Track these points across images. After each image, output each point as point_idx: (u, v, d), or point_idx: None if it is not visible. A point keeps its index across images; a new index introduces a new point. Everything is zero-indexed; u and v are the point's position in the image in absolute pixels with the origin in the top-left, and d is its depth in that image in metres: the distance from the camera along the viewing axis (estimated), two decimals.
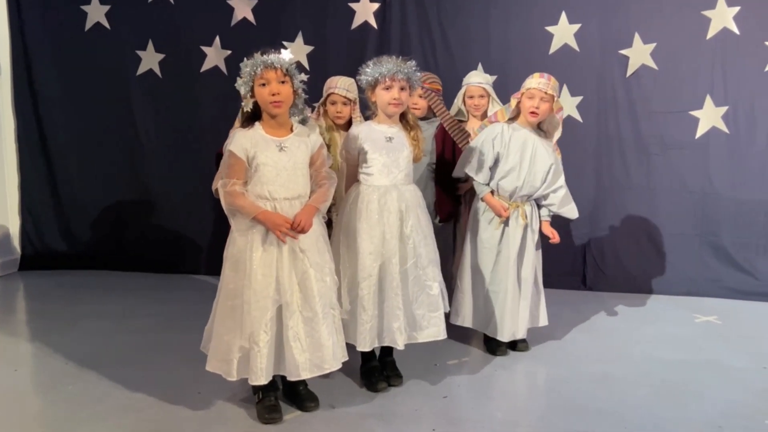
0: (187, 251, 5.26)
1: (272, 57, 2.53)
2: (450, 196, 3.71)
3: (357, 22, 4.97)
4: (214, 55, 5.11)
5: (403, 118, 2.96)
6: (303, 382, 2.75)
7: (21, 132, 5.32)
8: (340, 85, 3.38)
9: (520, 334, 3.42)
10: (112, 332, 3.76)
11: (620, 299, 4.56)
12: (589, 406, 2.81)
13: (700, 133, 4.66)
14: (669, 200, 4.74)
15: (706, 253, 4.71)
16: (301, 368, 2.58)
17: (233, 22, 5.06)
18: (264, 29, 5.01)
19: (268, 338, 2.53)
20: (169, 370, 3.17)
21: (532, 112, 3.27)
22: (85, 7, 5.18)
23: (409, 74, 2.83)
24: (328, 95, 3.41)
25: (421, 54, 4.82)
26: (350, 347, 2.81)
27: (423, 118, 3.73)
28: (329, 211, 2.89)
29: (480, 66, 4.73)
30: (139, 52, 5.18)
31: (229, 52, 5.07)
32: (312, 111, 3.37)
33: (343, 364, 2.71)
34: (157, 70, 5.19)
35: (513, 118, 3.41)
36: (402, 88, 2.82)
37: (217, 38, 5.09)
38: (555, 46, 4.77)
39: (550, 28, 4.76)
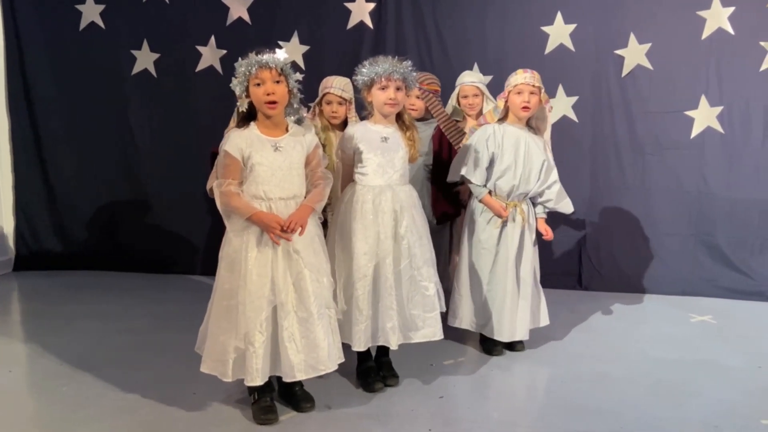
0: (182, 251, 5.25)
1: (267, 57, 2.52)
2: (446, 198, 3.70)
3: (353, 21, 4.96)
4: (210, 55, 5.10)
5: (399, 118, 2.95)
6: (299, 383, 2.74)
7: (15, 131, 5.30)
8: (336, 85, 3.38)
9: (521, 335, 3.41)
10: (106, 333, 3.75)
11: (616, 299, 4.56)
12: (586, 406, 2.81)
13: (695, 133, 4.66)
14: (664, 200, 4.75)
15: (701, 252, 4.72)
16: (297, 369, 2.57)
17: (228, 22, 5.05)
18: (259, 29, 5.00)
19: (264, 339, 2.53)
20: (165, 370, 3.16)
21: (524, 107, 3.28)
22: (79, 7, 5.17)
23: (405, 74, 2.83)
24: (324, 95, 3.41)
25: (417, 54, 4.82)
26: (346, 347, 2.80)
27: (420, 119, 3.73)
28: (324, 211, 2.88)
29: (476, 66, 4.74)
30: (134, 52, 5.16)
31: (224, 51, 5.06)
32: (308, 111, 3.36)
33: (340, 364, 2.71)
34: (152, 70, 5.18)
35: (502, 119, 3.41)
36: (398, 88, 2.82)
37: (213, 38, 5.08)
38: (551, 46, 4.77)
39: (545, 28, 4.77)
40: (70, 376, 3.09)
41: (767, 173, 4.58)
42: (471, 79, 3.91)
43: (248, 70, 2.52)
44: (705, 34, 4.57)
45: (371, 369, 3.00)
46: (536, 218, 3.48)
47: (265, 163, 2.56)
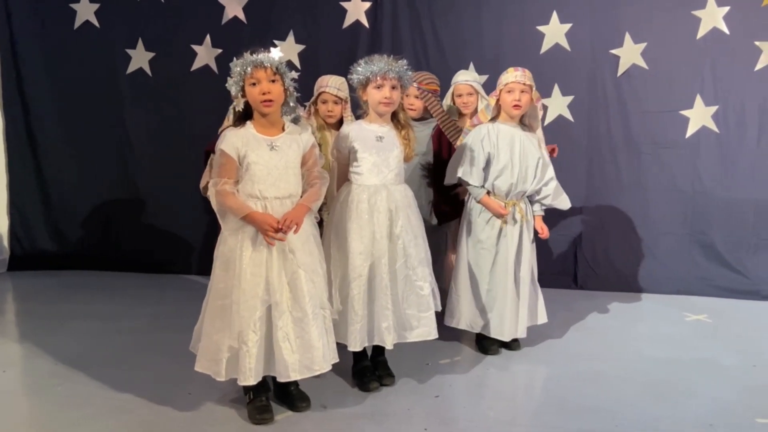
0: (177, 251, 5.24)
1: (262, 56, 2.52)
2: (447, 198, 3.68)
3: (348, 21, 4.96)
4: (205, 54, 5.09)
5: (394, 117, 2.95)
6: (294, 383, 2.73)
7: (9, 131, 5.28)
8: (331, 84, 3.37)
9: (520, 333, 3.42)
10: (101, 333, 3.74)
11: (611, 298, 4.57)
12: (581, 405, 2.82)
13: (690, 132, 4.68)
14: (659, 199, 4.76)
15: (697, 251, 4.73)
16: (291, 369, 2.56)
17: (224, 21, 5.05)
18: (255, 28, 4.99)
19: (257, 338, 2.52)
20: (160, 370, 3.15)
21: (515, 105, 3.29)
22: (74, 6, 5.15)
23: (401, 73, 2.82)
24: (319, 94, 3.40)
25: (413, 53, 4.82)
26: (341, 347, 2.80)
27: (419, 119, 3.73)
28: (320, 210, 2.88)
29: (471, 65, 4.74)
30: (129, 51, 5.15)
31: (219, 50, 5.05)
32: (303, 110, 3.36)
33: (335, 364, 2.70)
34: (147, 69, 5.17)
35: (494, 117, 3.41)
36: (393, 87, 2.82)
37: (208, 37, 5.07)
38: (546, 45, 4.78)
39: (541, 28, 4.77)
40: (64, 376, 3.08)
41: (762, 172, 4.60)
42: (465, 78, 3.91)
43: (244, 70, 2.52)
44: (700, 34, 4.58)
45: (367, 368, 3.00)
46: (533, 216, 3.48)
47: (261, 162, 2.55)
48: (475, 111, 3.83)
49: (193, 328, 2.72)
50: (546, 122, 4.63)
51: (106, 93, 5.19)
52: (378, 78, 2.80)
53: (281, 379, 2.60)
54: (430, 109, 3.71)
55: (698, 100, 4.63)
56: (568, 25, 4.73)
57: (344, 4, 4.94)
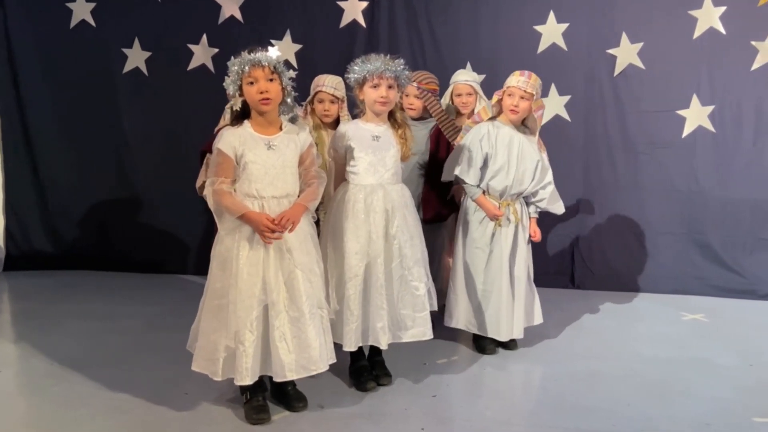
0: (174, 251, 5.23)
1: (259, 55, 2.51)
2: (439, 197, 3.68)
3: (345, 20, 4.96)
4: (202, 54, 5.08)
5: (391, 116, 2.94)
6: (291, 383, 2.73)
7: (5, 131, 5.27)
8: (328, 83, 3.37)
9: (517, 334, 3.42)
10: (97, 333, 3.73)
11: (608, 298, 4.58)
12: (578, 404, 2.82)
13: (686, 132, 4.68)
14: (656, 199, 4.76)
15: (693, 251, 4.74)
16: (288, 369, 2.56)
17: (221, 20, 5.04)
18: (252, 27, 4.99)
19: (254, 338, 2.52)
20: (156, 370, 3.14)
21: (512, 110, 3.29)
22: (70, 5, 5.14)
23: (397, 72, 2.82)
24: (316, 93, 3.40)
25: (410, 53, 4.82)
26: (338, 347, 2.80)
27: (418, 119, 3.72)
28: (317, 210, 2.87)
29: (468, 65, 4.73)
30: (125, 50, 5.14)
31: (216, 50, 5.05)
32: (301, 109, 3.35)
33: (332, 364, 2.70)
34: (143, 69, 5.15)
35: (495, 116, 3.41)
36: (390, 87, 2.81)
37: (204, 36, 5.06)
38: (543, 45, 4.78)
39: (538, 28, 4.78)
40: (60, 376, 3.07)
41: (758, 172, 4.61)
42: (465, 78, 3.91)
43: (241, 69, 2.51)
44: (696, 34, 4.59)
45: (364, 368, 3.00)
46: (529, 218, 3.48)
47: (259, 161, 2.54)
48: (473, 112, 3.83)
49: (190, 328, 2.71)
50: (543, 122, 4.63)
51: (102, 92, 5.17)
52: (374, 77, 2.79)
53: (278, 379, 2.59)
54: (430, 108, 3.71)
55: (695, 100, 4.64)
56: (564, 25, 4.74)
57: (341, 4, 4.94)
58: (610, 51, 4.72)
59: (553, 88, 4.77)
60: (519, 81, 3.26)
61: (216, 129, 3.39)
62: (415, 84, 3.56)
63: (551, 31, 4.76)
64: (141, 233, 5.25)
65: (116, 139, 5.22)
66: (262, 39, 4.52)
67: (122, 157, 5.24)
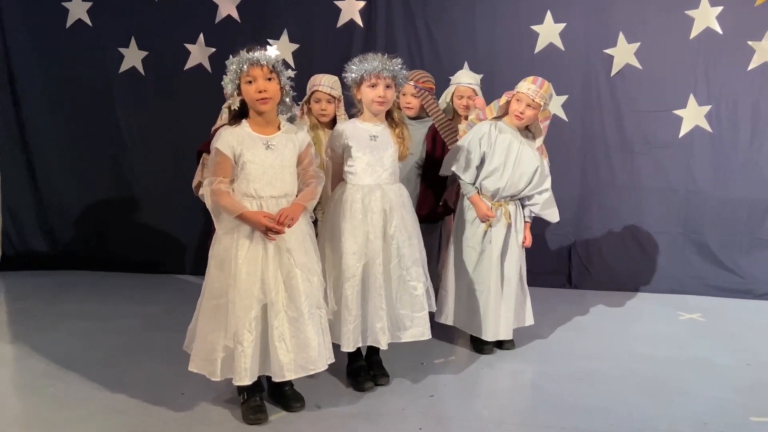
0: (171, 251, 5.21)
1: (258, 54, 2.50)
2: (435, 197, 3.67)
3: (343, 20, 4.95)
4: (198, 53, 5.06)
5: (388, 115, 2.94)
6: (289, 382, 2.72)
7: (1, 130, 5.23)
8: (324, 83, 3.36)
9: (504, 335, 3.41)
10: (94, 333, 3.72)
11: (605, 297, 4.58)
12: (576, 403, 2.82)
13: (683, 132, 4.69)
14: (653, 199, 4.77)
15: (690, 251, 4.75)
16: (286, 369, 2.55)
17: (217, 20, 5.02)
18: (249, 27, 4.98)
19: (252, 338, 2.51)
20: (153, 370, 3.13)
21: (517, 116, 3.28)
22: (66, 4, 5.11)
23: (395, 72, 2.81)
24: (312, 93, 3.38)
25: (407, 52, 4.81)
26: (336, 347, 2.79)
27: (415, 118, 3.72)
28: (315, 209, 2.87)
29: (466, 64, 4.73)
30: (122, 50, 5.12)
31: (213, 49, 5.03)
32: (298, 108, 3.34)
33: (330, 364, 2.69)
34: (140, 68, 5.14)
35: (500, 116, 3.40)
36: (387, 86, 2.81)
37: (201, 36, 5.05)
38: (540, 45, 4.78)
39: (535, 27, 4.78)
40: (57, 377, 3.06)
41: (755, 172, 4.62)
42: (468, 80, 3.90)
43: (240, 68, 2.50)
44: (693, 34, 4.60)
45: (361, 368, 2.99)
46: (524, 222, 3.47)
47: (257, 161, 2.54)
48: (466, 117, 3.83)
49: (187, 328, 2.70)
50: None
51: (99, 92, 5.15)
52: (372, 77, 2.78)
53: (276, 379, 2.59)
54: (427, 107, 3.70)
55: (691, 100, 4.65)
56: (562, 25, 4.74)
57: (338, 3, 4.93)
58: (607, 51, 4.72)
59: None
60: (530, 89, 3.23)
61: (213, 128, 3.38)
62: (412, 83, 3.56)
63: (548, 31, 4.76)
64: (138, 233, 5.23)
65: (113, 139, 5.20)
66: (259, 39, 4.51)
67: (119, 157, 5.22)
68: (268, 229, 2.49)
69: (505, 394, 3.04)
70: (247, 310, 2.50)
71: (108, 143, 5.21)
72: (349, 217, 2.82)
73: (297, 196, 2.64)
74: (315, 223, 2.88)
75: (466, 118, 3.82)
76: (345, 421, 2.64)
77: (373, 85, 2.80)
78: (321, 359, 2.62)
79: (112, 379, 3.00)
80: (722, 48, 4.56)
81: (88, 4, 5.11)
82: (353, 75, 2.83)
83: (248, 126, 2.58)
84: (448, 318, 3.46)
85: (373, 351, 3.05)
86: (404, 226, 2.88)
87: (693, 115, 4.66)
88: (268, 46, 2.57)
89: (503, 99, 3.37)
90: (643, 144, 4.76)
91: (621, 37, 4.68)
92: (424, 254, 2.99)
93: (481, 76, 4.45)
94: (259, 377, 2.63)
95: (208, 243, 2.67)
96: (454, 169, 3.36)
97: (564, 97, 4.80)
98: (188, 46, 5.06)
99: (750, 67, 4.55)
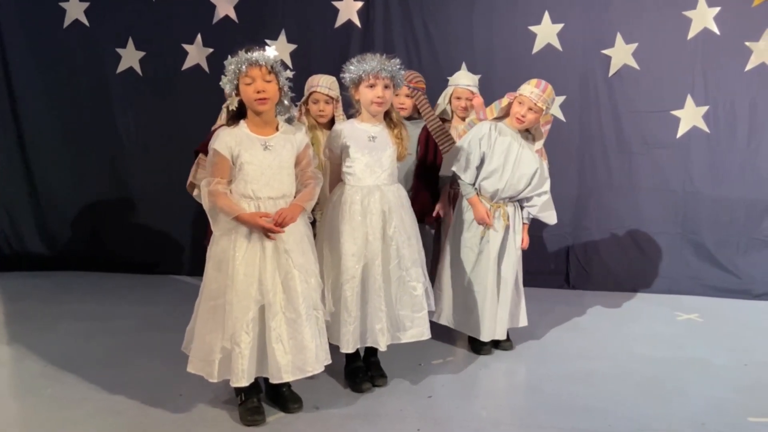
0: (168, 251, 5.20)
1: (257, 54, 2.50)
2: (425, 199, 3.65)
3: (341, 20, 4.94)
4: (196, 54, 5.05)
5: (386, 115, 2.94)
6: (286, 384, 2.72)
7: None
8: (322, 84, 3.35)
9: (499, 335, 3.42)
10: (92, 334, 3.71)
11: (603, 298, 4.58)
12: (574, 404, 2.82)
13: (681, 132, 4.69)
14: (651, 199, 4.77)
15: (688, 251, 4.75)
16: (284, 370, 2.55)
17: (215, 20, 5.01)
18: (246, 27, 4.97)
19: (250, 339, 2.51)
20: (150, 371, 3.13)
21: (518, 119, 3.27)
22: (63, 4, 5.10)
23: (393, 72, 2.81)
24: (310, 93, 3.38)
25: (405, 53, 4.81)
26: (334, 348, 2.79)
27: (408, 118, 3.71)
28: (313, 210, 2.86)
29: (464, 65, 4.73)
30: (119, 50, 5.11)
31: (210, 50, 5.02)
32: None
33: (327, 365, 2.69)
34: (137, 68, 5.13)
35: (501, 117, 3.39)
36: (386, 86, 2.81)
37: (199, 36, 5.04)
38: (538, 45, 4.78)
39: (533, 28, 4.78)
40: (54, 378, 3.06)
41: (752, 172, 4.62)
42: (466, 82, 3.88)
43: (238, 68, 2.50)
44: (691, 34, 4.60)
45: (359, 369, 2.99)
46: (522, 222, 3.47)
47: (255, 161, 2.53)
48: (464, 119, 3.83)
49: (185, 329, 2.70)
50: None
51: (96, 92, 5.14)
52: (370, 77, 2.78)
53: (274, 381, 2.59)
54: (420, 109, 3.69)
55: (689, 101, 4.65)
56: (559, 26, 4.74)
57: (336, 4, 4.92)
58: (605, 51, 4.72)
59: None
60: (532, 92, 3.22)
61: (213, 128, 3.38)
62: (404, 83, 3.55)
63: (546, 32, 4.76)
64: (135, 233, 5.22)
65: (110, 140, 5.18)
66: (256, 39, 4.49)
67: (116, 158, 5.21)
68: (266, 230, 2.49)
69: (503, 395, 3.05)
70: (245, 311, 2.50)
71: (105, 144, 5.19)
72: (348, 218, 2.82)
73: (295, 197, 2.64)
74: (313, 224, 2.87)
75: (464, 119, 3.82)
76: (343, 422, 2.64)
77: (372, 86, 2.80)
78: (318, 361, 2.62)
79: (110, 379, 3.00)
80: (720, 48, 4.56)
81: (86, 5, 5.09)
82: (351, 75, 2.83)
83: (246, 127, 2.58)
84: (441, 317, 3.46)
85: (371, 352, 3.04)
86: (403, 227, 2.88)
87: (690, 116, 4.66)
88: (266, 47, 2.57)
89: (505, 100, 3.35)
90: (640, 144, 4.76)
91: (619, 37, 4.68)
92: (423, 254, 2.99)
93: (478, 76, 4.45)
94: (257, 378, 2.62)
95: (205, 244, 2.67)
96: (454, 169, 3.35)
97: (562, 98, 4.79)
98: (186, 46, 5.06)
99: (747, 68, 4.55)
